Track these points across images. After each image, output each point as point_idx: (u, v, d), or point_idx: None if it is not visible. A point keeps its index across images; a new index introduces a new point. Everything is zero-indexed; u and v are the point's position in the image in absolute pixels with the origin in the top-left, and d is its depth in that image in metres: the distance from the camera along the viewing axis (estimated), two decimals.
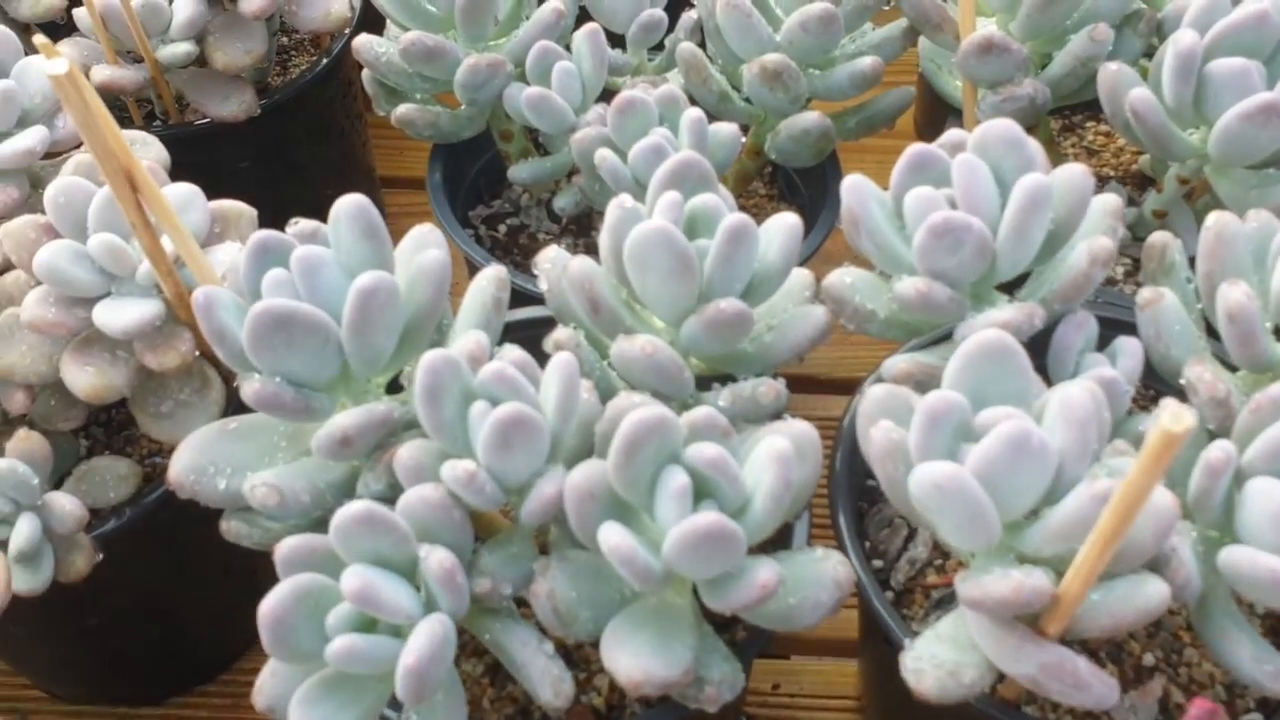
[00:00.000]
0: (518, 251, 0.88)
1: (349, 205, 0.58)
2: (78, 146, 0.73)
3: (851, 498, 0.69)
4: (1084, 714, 0.62)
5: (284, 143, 0.99)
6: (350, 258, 0.59)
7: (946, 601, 0.66)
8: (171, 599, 0.79)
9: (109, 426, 0.77)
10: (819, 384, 1.05)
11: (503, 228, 0.90)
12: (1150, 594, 0.49)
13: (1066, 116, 0.97)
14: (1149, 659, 0.64)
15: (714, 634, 0.59)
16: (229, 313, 0.57)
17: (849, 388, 0.88)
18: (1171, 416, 0.35)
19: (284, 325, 0.55)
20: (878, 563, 0.69)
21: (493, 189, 0.93)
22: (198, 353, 0.67)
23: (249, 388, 0.56)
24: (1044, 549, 0.50)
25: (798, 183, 0.93)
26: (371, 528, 0.52)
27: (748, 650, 0.59)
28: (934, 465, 0.48)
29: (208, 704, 0.87)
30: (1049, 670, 0.50)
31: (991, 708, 0.58)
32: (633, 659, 0.52)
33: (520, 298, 0.76)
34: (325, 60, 1.00)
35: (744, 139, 0.85)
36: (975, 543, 0.49)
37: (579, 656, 0.64)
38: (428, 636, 0.50)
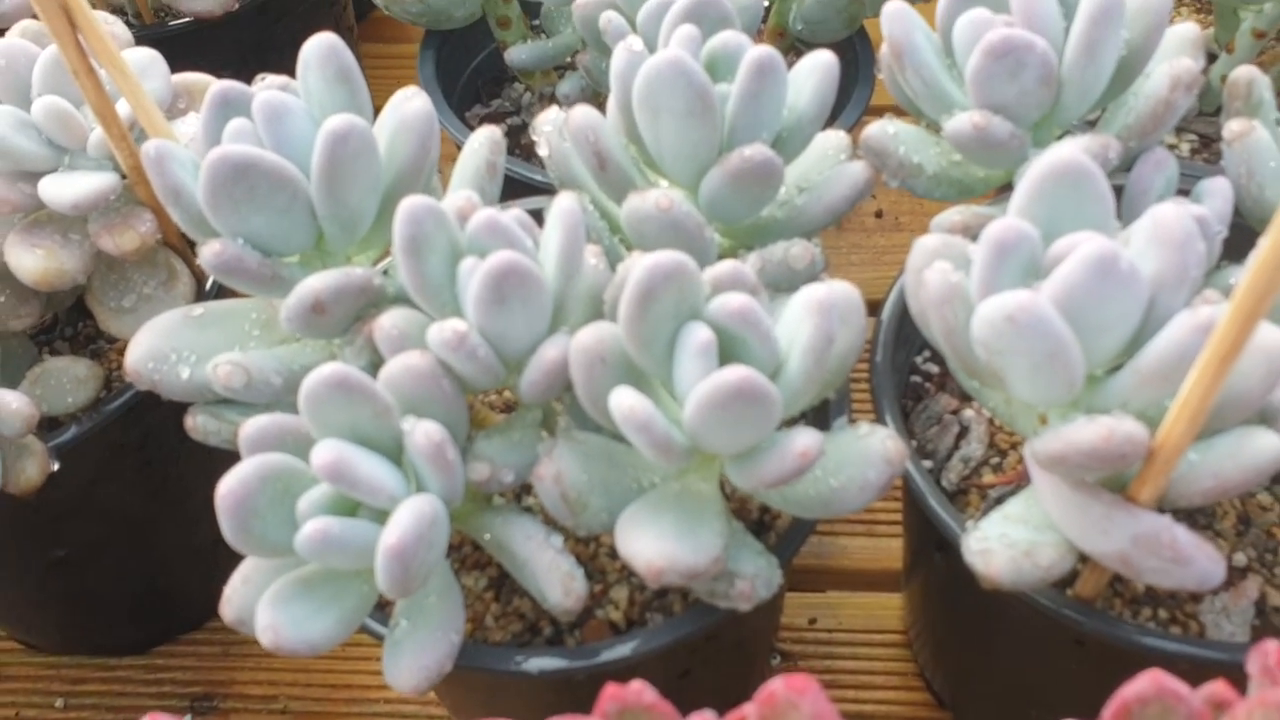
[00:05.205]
0: (519, 153, 0.81)
1: (318, 46, 0.51)
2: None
3: (896, 394, 0.61)
4: (1169, 617, 0.54)
5: (268, 49, 0.92)
6: (321, 106, 0.51)
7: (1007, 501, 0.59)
8: (149, 531, 0.72)
9: (74, 341, 0.70)
10: None
11: (503, 128, 0.83)
12: (1261, 448, 0.42)
13: None
14: (1240, 559, 0.56)
15: (744, 530, 0.52)
16: (185, 169, 0.50)
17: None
18: None
19: (244, 175, 0.48)
20: (927, 463, 0.61)
21: (491, 89, 0.86)
22: (162, 240, 0.60)
23: (208, 251, 0.49)
24: (1133, 399, 0.42)
25: None
26: (347, 395, 0.44)
27: (785, 548, 0.52)
28: (1005, 295, 0.40)
29: (196, 653, 0.80)
30: (1143, 543, 0.42)
31: (1069, 608, 0.50)
32: (654, 543, 0.44)
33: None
34: None
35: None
36: (1055, 390, 0.41)
37: (594, 568, 0.57)
38: (412, 514, 0.43)
